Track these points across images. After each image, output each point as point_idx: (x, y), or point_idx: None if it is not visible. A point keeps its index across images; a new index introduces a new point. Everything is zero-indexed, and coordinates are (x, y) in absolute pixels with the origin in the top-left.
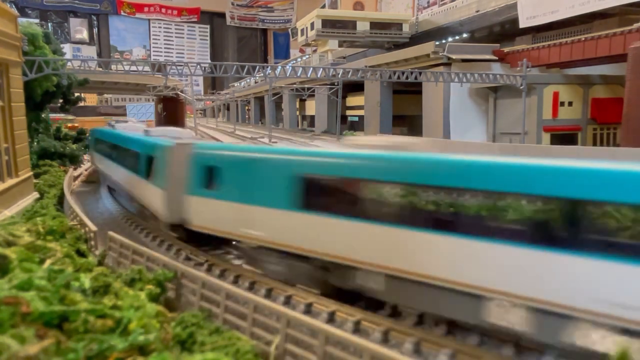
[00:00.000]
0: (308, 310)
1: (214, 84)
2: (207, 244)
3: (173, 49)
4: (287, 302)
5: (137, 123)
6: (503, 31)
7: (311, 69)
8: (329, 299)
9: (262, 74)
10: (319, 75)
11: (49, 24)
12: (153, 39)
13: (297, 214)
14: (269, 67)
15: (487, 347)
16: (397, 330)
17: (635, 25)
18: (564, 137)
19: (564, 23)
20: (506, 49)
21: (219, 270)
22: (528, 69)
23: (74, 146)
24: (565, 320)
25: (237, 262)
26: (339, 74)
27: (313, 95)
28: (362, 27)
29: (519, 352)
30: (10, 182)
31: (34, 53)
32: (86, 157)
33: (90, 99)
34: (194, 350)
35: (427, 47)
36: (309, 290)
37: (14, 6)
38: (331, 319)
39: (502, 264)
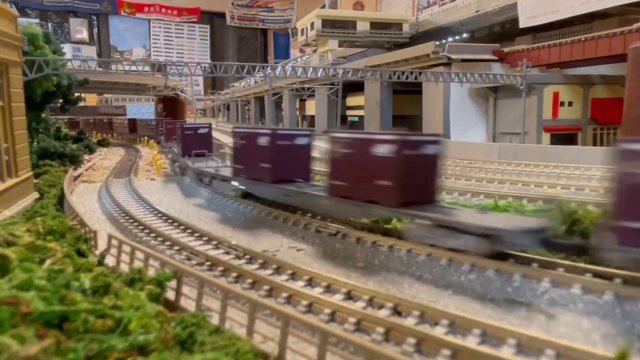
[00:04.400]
0: (309, 309)
1: (214, 84)
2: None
3: (173, 49)
4: (288, 301)
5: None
6: (503, 31)
7: (311, 69)
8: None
9: (262, 74)
10: (319, 75)
11: (49, 24)
12: (153, 39)
13: None
14: (269, 67)
15: (487, 346)
16: (397, 330)
17: (635, 25)
18: (564, 137)
19: (564, 23)
20: (506, 49)
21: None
22: (528, 69)
23: (74, 146)
24: None
25: (236, 262)
26: (339, 74)
27: (313, 95)
28: (362, 27)
29: (519, 352)
30: (10, 182)
31: (34, 53)
32: (87, 157)
33: (90, 99)
34: (194, 350)
35: (427, 47)
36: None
37: (14, 6)
38: (332, 318)
39: None
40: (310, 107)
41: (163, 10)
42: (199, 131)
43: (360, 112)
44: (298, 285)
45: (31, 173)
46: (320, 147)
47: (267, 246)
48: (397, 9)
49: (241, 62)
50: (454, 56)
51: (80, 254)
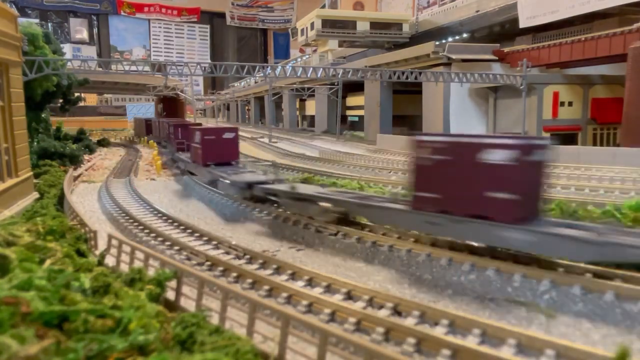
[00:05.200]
0: (309, 309)
1: (214, 84)
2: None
3: (173, 49)
4: (288, 301)
5: None
6: (503, 31)
7: (311, 69)
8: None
9: (262, 74)
10: (319, 75)
11: (49, 24)
12: (153, 39)
13: None
14: (269, 67)
15: (487, 346)
16: (397, 330)
17: (635, 25)
18: (564, 137)
19: (564, 23)
20: (506, 49)
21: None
22: (528, 69)
23: (74, 146)
24: None
25: (236, 262)
26: (339, 74)
27: (313, 95)
28: (362, 27)
29: (519, 352)
30: (10, 182)
31: (34, 53)
32: (87, 157)
33: (90, 99)
34: (194, 350)
35: (427, 47)
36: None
37: (14, 6)
38: (332, 318)
39: None
40: (310, 107)
41: (163, 10)
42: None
43: (360, 112)
44: (298, 285)
45: (31, 173)
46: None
47: (267, 246)
48: (397, 9)
49: (241, 62)
50: (454, 56)
51: (80, 254)
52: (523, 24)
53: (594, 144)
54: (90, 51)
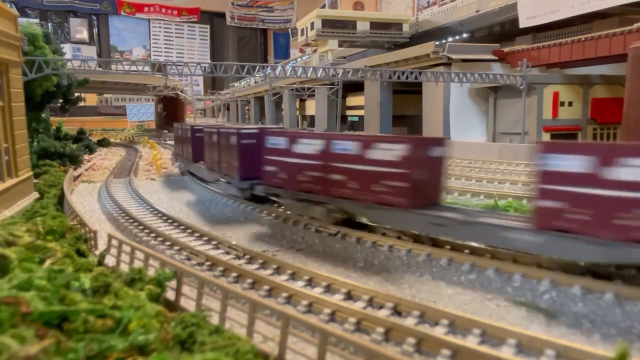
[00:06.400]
0: (309, 309)
1: (214, 84)
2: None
3: (173, 49)
4: (288, 301)
5: None
6: (503, 31)
7: (311, 69)
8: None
9: (262, 74)
10: (319, 75)
11: (49, 24)
12: (153, 39)
13: None
14: (269, 67)
15: (487, 346)
16: (397, 330)
17: (635, 25)
18: (564, 137)
19: (564, 23)
20: (506, 49)
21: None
22: (528, 69)
23: (74, 146)
24: None
25: (237, 262)
26: (339, 74)
27: (313, 95)
28: (362, 27)
29: (519, 352)
30: (10, 182)
31: (34, 53)
32: (87, 157)
33: (90, 99)
34: (194, 350)
35: (427, 47)
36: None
37: (14, 6)
38: (332, 318)
39: None
40: (310, 107)
41: (163, 10)
42: None
43: (360, 112)
44: (298, 285)
45: (31, 173)
46: None
47: (267, 246)
48: (397, 9)
49: (241, 62)
50: (454, 56)
51: (80, 254)
52: (523, 24)
53: None
54: (90, 51)
